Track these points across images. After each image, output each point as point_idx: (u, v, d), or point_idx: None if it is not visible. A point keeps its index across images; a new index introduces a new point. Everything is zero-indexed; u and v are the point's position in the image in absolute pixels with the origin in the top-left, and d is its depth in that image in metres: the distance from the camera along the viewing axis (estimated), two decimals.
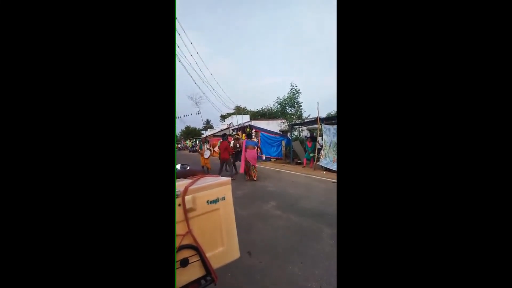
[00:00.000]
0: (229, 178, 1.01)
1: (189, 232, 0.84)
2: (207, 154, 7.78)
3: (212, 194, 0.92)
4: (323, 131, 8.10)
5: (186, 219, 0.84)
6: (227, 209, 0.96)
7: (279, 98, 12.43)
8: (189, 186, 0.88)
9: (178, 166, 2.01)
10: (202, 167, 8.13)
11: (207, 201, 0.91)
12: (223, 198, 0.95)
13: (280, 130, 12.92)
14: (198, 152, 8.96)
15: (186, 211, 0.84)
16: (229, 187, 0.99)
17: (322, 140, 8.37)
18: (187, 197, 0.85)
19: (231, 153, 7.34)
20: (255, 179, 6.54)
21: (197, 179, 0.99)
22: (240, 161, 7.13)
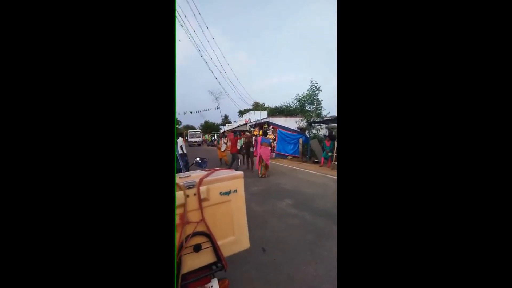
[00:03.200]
0: (242, 172, 1.06)
1: (203, 220, 0.91)
2: (223, 147, 8.53)
3: (225, 186, 0.98)
4: None
5: (200, 208, 0.91)
6: (239, 201, 1.02)
7: (298, 95, 12.24)
8: (204, 178, 0.95)
9: (198, 159, 2.07)
10: (220, 159, 8.78)
11: (220, 192, 0.97)
12: (235, 191, 1.00)
13: (298, 128, 12.73)
14: (216, 146, 9.84)
15: (200, 201, 0.91)
16: (242, 180, 1.03)
17: None
18: (202, 188, 0.92)
19: (242, 147, 7.69)
20: (265, 176, 6.57)
21: (213, 172, 1.06)
22: (251, 158, 7.34)
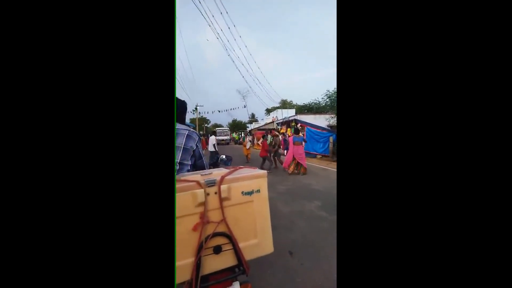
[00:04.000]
0: (265, 171, 0.98)
1: (224, 220, 0.86)
2: (248, 145, 9.48)
3: (247, 186, 0.92)
4: None
5: (221, 207, 0.86)
6: (262, 202, 0.95)
7: (328, 91, 11.70)
8: (226, 176, 0.90)
9: (223, 156, 2.05)
10: (246, 156, 9.33)
11: (242, 192, 0.92)
12: (258, 191, 0.94)
13: (328, 126, 12.17)
14: (242, 144, 10.67)
15: (221, 200, 0.86)
16: (265, 180, 0.96)
17: None
18: (223, 186, 0.87)
19: (268, 150, 7.69)
20: (304, 172, 6.51)
21: (235, 170, 1.00)
22: (278, 156, 7.16)
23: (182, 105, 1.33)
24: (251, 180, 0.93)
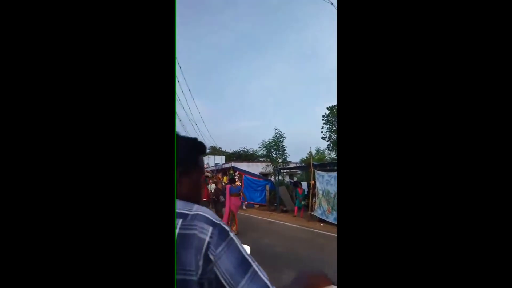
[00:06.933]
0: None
1: None
2: None
3: None
4: (316, 178, 7.66)
5: None
6: None
7: (264, 141, 12.43)
8: None
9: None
10: None
11: None
12: None
13: (260, 173, 12.30)
14: None
15: None
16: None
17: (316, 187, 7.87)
18: None
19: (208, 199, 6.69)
20: (236, 231, 5.48)
21: None
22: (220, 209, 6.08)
23: (194, 148, 0.62)
24: None
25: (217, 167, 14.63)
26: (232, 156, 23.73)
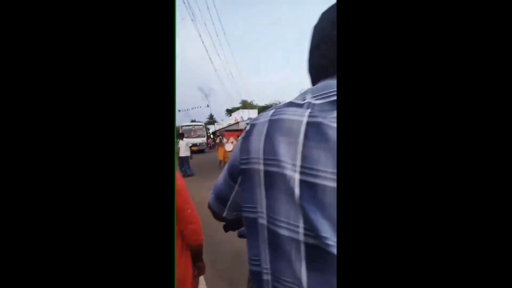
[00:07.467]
0: None
1: None
2: (229, 146, 8.11)
3: None
4: None
5: None
6: None
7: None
8: None
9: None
10: (221, 162, 8.45)
11: None
12: None
13: None
14: (217, 146, 8.88)
15: None
16: None
17: None
18: None
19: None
20: None
21: None
22: None
23: None
24: None
25: (251, 121, 15.31)
26: (265, 110, 24.71)
